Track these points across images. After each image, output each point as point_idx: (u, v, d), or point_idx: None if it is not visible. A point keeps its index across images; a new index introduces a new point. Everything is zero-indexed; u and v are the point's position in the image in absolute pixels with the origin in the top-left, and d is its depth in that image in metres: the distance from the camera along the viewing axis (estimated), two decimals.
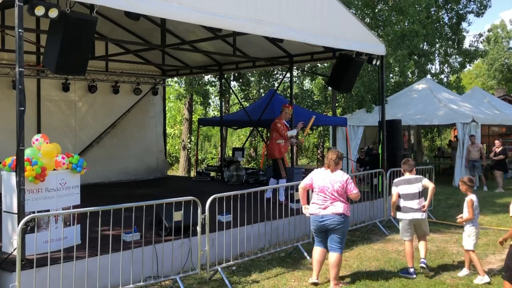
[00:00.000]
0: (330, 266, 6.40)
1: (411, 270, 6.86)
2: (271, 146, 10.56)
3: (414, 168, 7.21)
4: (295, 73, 20.65)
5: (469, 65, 29.97)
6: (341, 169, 6.56)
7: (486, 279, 6.44)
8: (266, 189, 9.21)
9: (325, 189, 6.34)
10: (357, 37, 10.30)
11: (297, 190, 8.44)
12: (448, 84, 25.29)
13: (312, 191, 6.62)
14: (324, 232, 6.40)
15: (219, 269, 6.59)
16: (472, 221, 6.72)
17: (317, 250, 6.52)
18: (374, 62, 11.01)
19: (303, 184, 6.61)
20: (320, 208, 6.34)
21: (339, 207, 6.29)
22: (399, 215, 7.08)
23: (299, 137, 11.02)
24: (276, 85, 22.17)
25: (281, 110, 10.67)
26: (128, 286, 5.87)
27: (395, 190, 7.05)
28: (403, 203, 6.97)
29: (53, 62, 6.17)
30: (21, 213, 5.56)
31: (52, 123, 13.30)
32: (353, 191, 6.36)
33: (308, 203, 6.68)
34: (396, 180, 7.20)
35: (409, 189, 6.97)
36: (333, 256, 6.35)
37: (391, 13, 19.20)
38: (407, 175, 7.13)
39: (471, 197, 6.71)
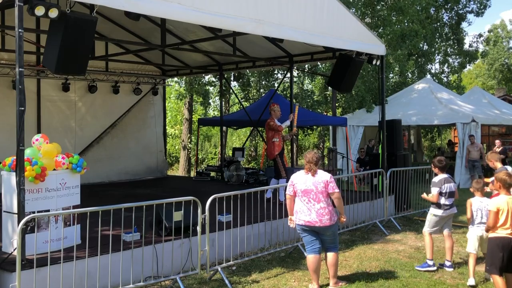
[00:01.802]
0: (328, 265, 6.36)
1: (432, 262, 7.13)
2: (268, 146, 10.60)
3: None
4: (295, 73, 20.65)
5: (469, 65, 29.99)
6: (323, 169, 6.46)
7: (471, 281, 6.47)
8: (266, 189, 9.20)
9: (309, 192, 6.13)
10: (357, 37, 10.30)
11: None
12: (448, 84, 25.30)
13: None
14: (313, 231, 6.22)
15: (219, 269, 6.59)
16: (471, 223, 6.70)
17: (311, 259, 6.25)
18: (374, 62, 11.02)
19: (290, 192, 6.33)
20: (307, 214, 6.13)
21: (326, 209, 6.11)
22: (438, 211, 7.26)
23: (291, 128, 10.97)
24: (276, 85, 22.17)
25: (269, 111, 10.61)
26: (128, 286, 5.87)
27: (436, 191, 7.21)
28: (443, 200, 7.20)
29: (53, 62, 6.17)
30: (21, 213, 5.56)
31: (52, 123, 13.30)
32: (335, 190, 6.14)
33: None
34: (438, 179, 7.26)
35: (451, 188, 7.29)
36: (330, 256, 6.31)
37: (391, 13, 19.20)
38: (444, 174, 7.32)
39: (472, 199, 6.69)
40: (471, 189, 6.82)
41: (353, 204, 9.71)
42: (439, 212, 7.24)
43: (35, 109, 13.00)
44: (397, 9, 18.93)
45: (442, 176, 7.30)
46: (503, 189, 5.77)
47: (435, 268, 7.07)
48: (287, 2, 8.67)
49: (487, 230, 5.89)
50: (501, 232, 5.68)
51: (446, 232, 7.36)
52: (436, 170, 7.42)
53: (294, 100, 14.48)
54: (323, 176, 6.21)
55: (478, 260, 6.80)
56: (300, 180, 6.26)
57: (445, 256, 7.30)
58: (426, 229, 7.38)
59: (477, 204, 6.61)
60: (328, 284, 6.42)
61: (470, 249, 6.66)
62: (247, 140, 23.69)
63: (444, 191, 7.20)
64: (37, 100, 13.08)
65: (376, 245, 8.63)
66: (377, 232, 9.61)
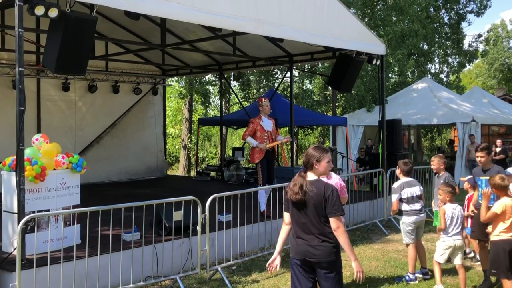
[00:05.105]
0: None
1: (413, 276, 6.67)
2: (251, 150, 9.43)
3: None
4: (295, 73, 20.65)
5: (469, 65, 30.00)
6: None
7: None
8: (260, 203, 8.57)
9: None
10: (357, 37, 10.30)
11: None
12: (448, 84, 25.31)
13: None
14: None
15: (219, 269, 6.59)
16: (444, 232, 6.20)
17: None
18: (374, 61, 11.03)
19: None
20: None
21: None
22: (404, 218, 6.74)
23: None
24: (276, 85, 22.18)
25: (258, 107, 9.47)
26: (128, 286, 5.87)
27: (395, 197, 6.72)
28: (406, 207, 6.70)
29: (53, 62, 6.17)
30: (21, 213, 5.55)
31: (52, 123, 13.30)
32: (344, 195, 5.89)
33: None
34: (397, 185, 6.80)
35: (417, 192, 6.79)
36: None
37: (390, 12, 19.21)
38: (407, 178, 6.86)
39: (445, 206, 6.23)
40: (446, 197, 6.23)
41: (353, 203, 9.71)
42: (410, 219, 6.66)
43: (35, 109, 13.00)
44: (397, 9, 18.93)
45: (404, 179, 6.78)
46: (502, 192, 5.71)
47: (416, 281, 6.64)
48: (287, 2, 8.66)
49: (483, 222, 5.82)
50: (504, 235, 5.61)
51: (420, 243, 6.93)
52: (404, 172, 6.85)
53: (294, 100, 14.45)
54: (335, 179, 5.87)
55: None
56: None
57: (421, 264, 6.93)
58: (407, 240, 6.73)
59: (450, 211, 6.13)
60: None
61: (438, 259, 6.21)
62: None
63: (404, 197, 6.66)
64: (37, 100, 13.08)
65: (376, 244, 8.63)
66: (377, 231, 9.61)
